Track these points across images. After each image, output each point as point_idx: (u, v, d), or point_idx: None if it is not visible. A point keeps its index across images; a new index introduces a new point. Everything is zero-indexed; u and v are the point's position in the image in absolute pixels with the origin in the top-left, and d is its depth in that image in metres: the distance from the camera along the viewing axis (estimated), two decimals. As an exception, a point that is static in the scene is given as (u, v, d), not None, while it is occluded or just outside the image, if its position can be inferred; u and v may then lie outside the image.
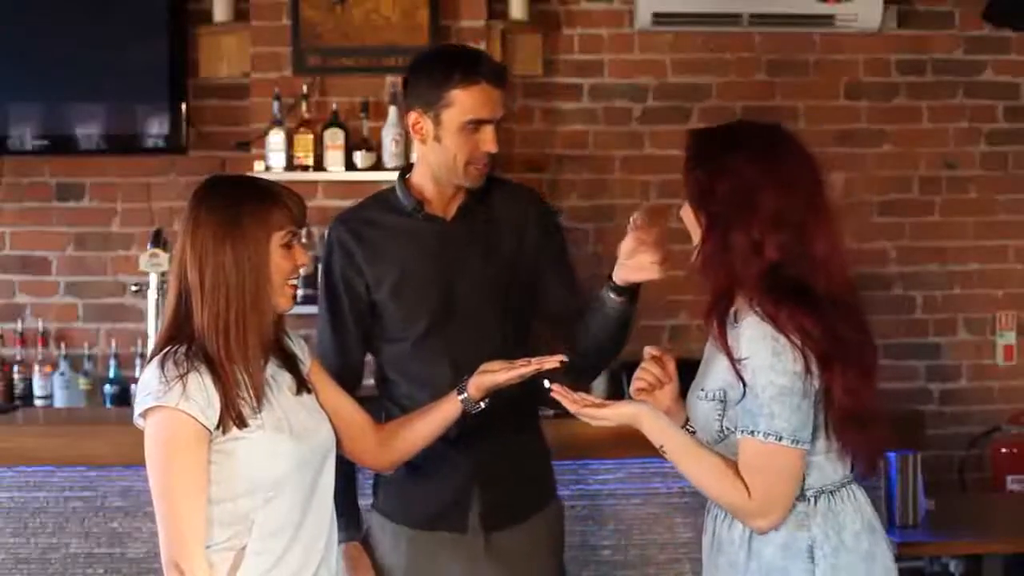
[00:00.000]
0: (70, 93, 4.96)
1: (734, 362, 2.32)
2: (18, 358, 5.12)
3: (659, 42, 5.28)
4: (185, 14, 5.05)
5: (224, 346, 2.36)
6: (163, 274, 4.33)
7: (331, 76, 5.03)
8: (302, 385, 2.53)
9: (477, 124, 2.79)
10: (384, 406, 2.94)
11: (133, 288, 5.03)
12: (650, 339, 2.79)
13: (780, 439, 2.29)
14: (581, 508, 3.61)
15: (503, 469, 2.88)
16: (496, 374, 2.59)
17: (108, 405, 5.00)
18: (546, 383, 2.52)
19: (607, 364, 2.97)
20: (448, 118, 2.79)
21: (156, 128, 4.99)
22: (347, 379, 2.83)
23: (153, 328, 4.42)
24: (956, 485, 4.97)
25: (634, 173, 5.29)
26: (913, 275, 5.38)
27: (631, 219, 2.62)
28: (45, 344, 5.15)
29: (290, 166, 4.89)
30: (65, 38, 4.90)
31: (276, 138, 4.88)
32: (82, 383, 5.05)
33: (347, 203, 3.25)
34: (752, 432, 2.30)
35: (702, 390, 2.43)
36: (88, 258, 5.21)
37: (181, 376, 2.33)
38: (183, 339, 2.39)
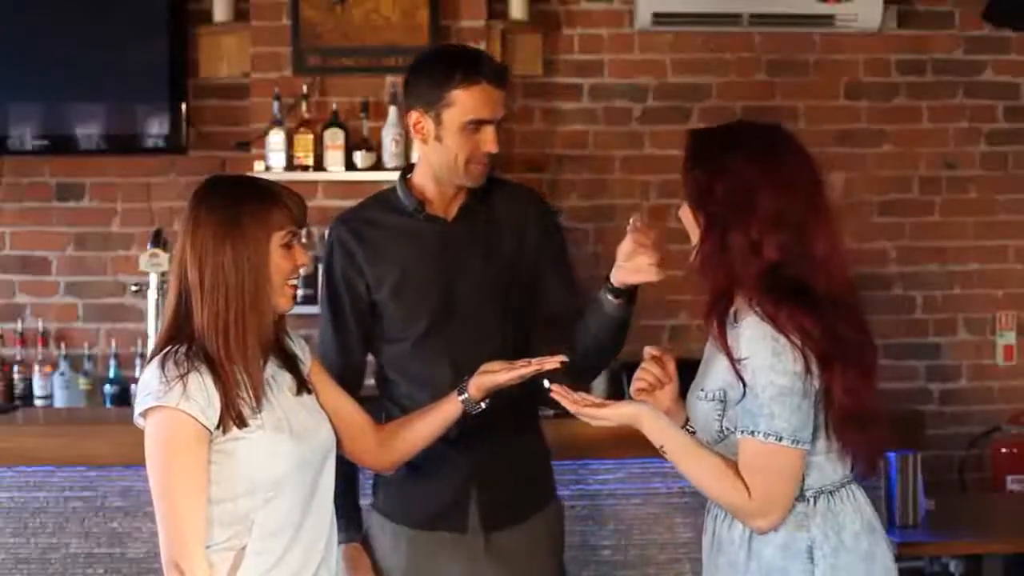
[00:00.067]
0: (70, 93, 4.96)
1: (734, 362, 2.32)
2: (18, 358, 5.12)
3: (659, 42, 5.29)
4: (185, 14, 5.05)
5: (224, 346, 2.36)
6: (163, 274, 4.33)
7: (331, 76, 5.03)
8: (302, 385, 2.53)
9: (478, 124, 2.79)
10: (384, 406, 2.94)
11: (133, 288, 5.03)
12: (650, 339, 2.79)
13: (780, 439, 2.29)
14: (581, 508, 3.61)
15: (503, 469, 2.88)
16: (497, 374, 2.59)
17: (108, 405, 5.00)
18: (546, 383, 2.52)
19: (607, 364, 2.97)
20: (449, 118, 2.79)
21: (156, 128, 4.99)
22: (349, 379, 2.83)
23: (153, 328, 4.42)
24: (956, 485, 4.97)
25: (634, 173, 5.29)
26: (913, 275, 5.38)
27: (630, 221, 2.62)
28: (45, 344, 5.15)
29: (290, 166, 4.89)
30: (65, 38, 4.90)
31: (276, 138, 4.88)
32: (82, 383, 5.05)
33: (347, 203, 3.25)
34: (752, 432, 2.30)
35: (702, 390, 2.43)
36: (88, 258, 5.21)
37: (181, 376, 2.33)
38: (183, 339, 2.39)
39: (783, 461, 2.30)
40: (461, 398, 2.62)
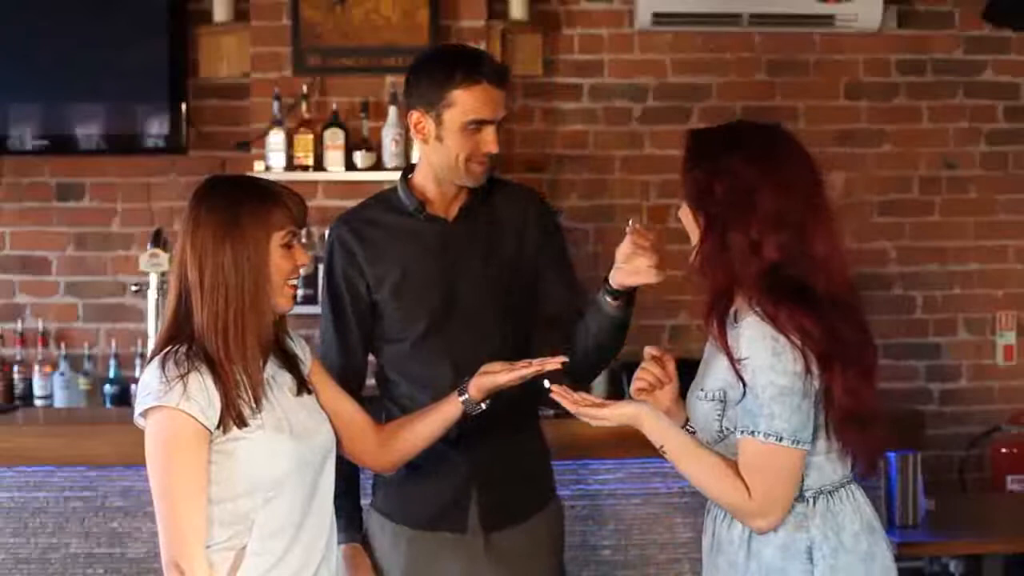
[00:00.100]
0: (70, 93, 4.96)
1: (734, 362, 2.32)
2: (18, 358, 5.12)
3: (659, 42, 5.29)
4: (185, 14, 5.05)
5: (223, 346, 2.36)
6: (163, 274, 4.33)
7: (331, 76, 5.03)
8: (303, 386, 2.53)
9: (479, 124, 2.79)
10: (384, 406, 2.94)
11: (133, 288, 5.04)
12: (650, 339, 2.80)
13: (780, 439, 2.29)
14: (581, 508, 3.61)
15: (503, 469, 2.88)
16: (497, 375, 2.59)
17: (108, 405, 5.00)
18: (546, 383, 2.52)
19: (606, 365, 2.97)
20: (450, 118, 2.79)
21: (156, 128, 4.99)
22: (350, 379, 2.84)
23: (153, 328, 4.42)
24: (956, 485, 4.97)
25: (634, 173, 5.29)
26: (913, 275, 5.38)
27: (628, 224, 2.62)
28: (45, 344, 5.15)
29: (290, 166, 4.89)
30: (65, 38, 4.90)
31: (276, 138, 4.88)
32: (82, 383, 5.05)
33: (347, 203, 3.25)
34: (752, 432, 2.30)
35: (702, 390, 2.43)
36: (88, 258, 5.21)
37: (182, 376, 2.33)
38: (184, 339, 2.39)
39: (783, 461, 2.30)
40: (461, 399, 2.62)
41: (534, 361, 2.57)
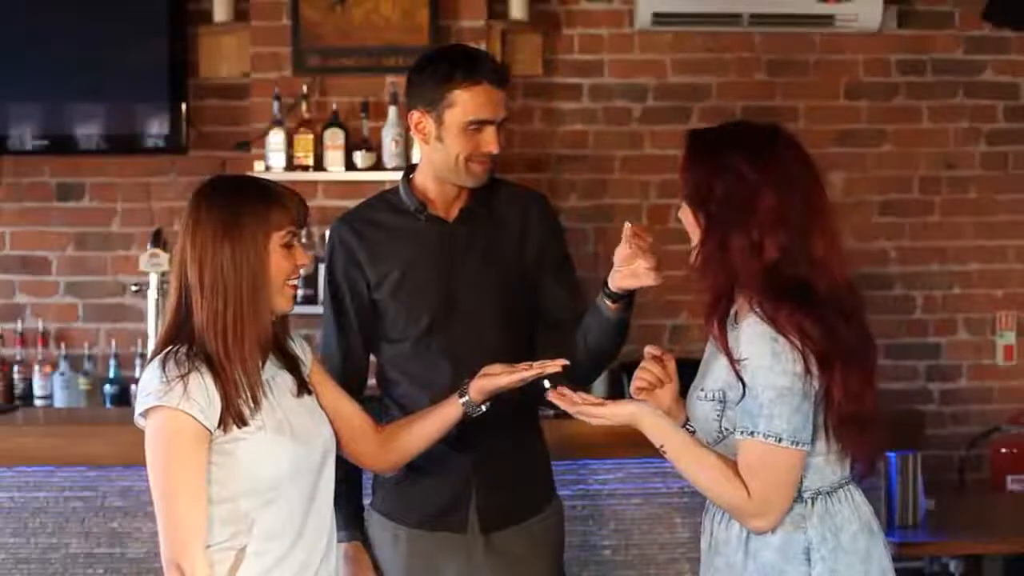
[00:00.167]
0: (70, 93, 4.96)
1: (733, 362, 2.32)
2: (18, 358, 5.12)
3: (659, 42, 5.29)
4: (185, 14, 5.06)
5: (223, 346, 2.36)
6: (163, 274, 4.33)
7: (331, 76, 5.03)
8: (303, 387, 2.53)
9: (479, 124, 2.79)
10: (384, 405, 2.94)
11: (133, 288, 5.04)
12: (650, 339, 2.80)
13: (780, 440, 2.28)
14: (581, 508, 3.61)
15: (503, 470, 2.88)
16: (498, 377, 2.59)
17: (108, 405, 5.00)
18: (546, 384, 2.52)
19: (607, 366, 2.97)
20: (450, 118, 2.79)
21: (156, 128, 4.99)
22: (352, 379, 2.85)
23: (153, 328, 4.42)
24: (956, 485, 4.97)
25: (634, 173, 5.29)
26: (913, 275, 5.38)
27: (625, 227, 2.62)
28: (45, 344, 5.15)
29: (290, 166, 4.89)
30: (65, 38, 4.90)
31: (276, 138, 4.88)
32: (82, 383, 5.05)
33: (347, 203, 3.25)
34: (752, 433, 2.30)
35: (702, 390, 2.43)
36: (88, 258, 5.22)
37: (182, 376, 2.33)
38: (184, 339, 2.39)
39: (782, 462, 2.30)
40: (462, 400, 2.62)
41: (535, 363, 2.56)
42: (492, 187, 2.92)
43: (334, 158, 4.92)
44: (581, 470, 3.61)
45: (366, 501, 2.98)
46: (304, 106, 4.94)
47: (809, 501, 2.37)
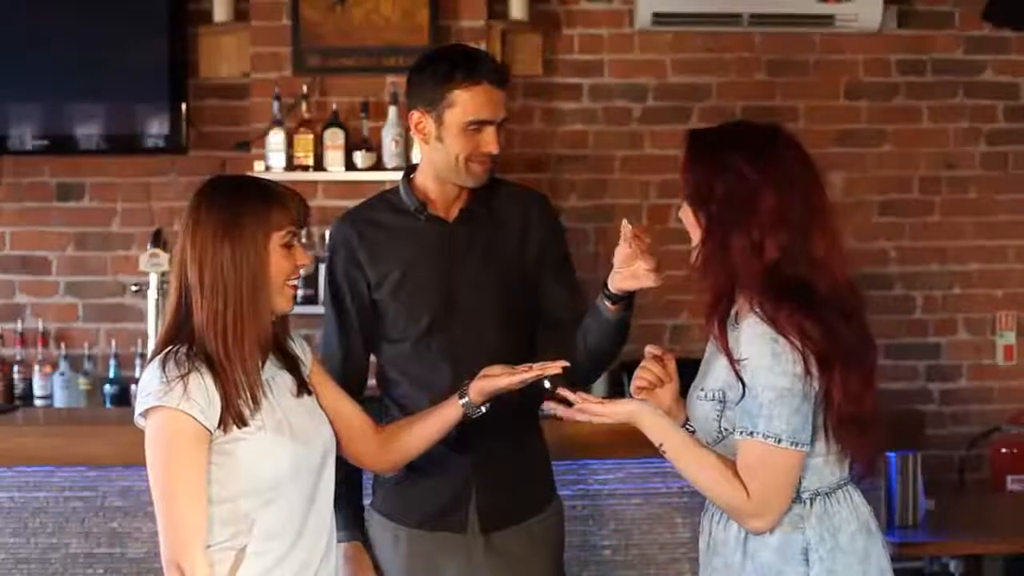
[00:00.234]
0: (70, 93, 4.96)
1: (733, 363, 2.32)
2: (18, 358, 5.12)
3: (659, 42, 5.29)
4: (185, 14, 5.06)
5: (223, 346, 2.36)
6: (163, 274, 4.33)
7: (331, 76, 5.03)
8: (303, 387, 2.53)
9: (479, 125, 2.79)
10: (384, 405, 2.94)
11: (133, 288, 5.04)
12: (651, 339, 2.80)
13: (779, 441, 2.28)
14: (581, 508, 3.61)
15: (502, 470, 2.88)
16: (498, 379, 2.58)
17: (108, 405, 5.00)
18: (546, 384, 2.52)
19: (607, 366, 2.96)
20: (450, 118, 2.79)
21: (156, 128, 4.99)
22: (352, 378, 2.85)
23: (153, 328, 4.42)
24: (956, 485, 4.97)
25: (634, 173, 5.29)
26: (913, 275, 5.38)
27: (623, 228, 2.62)
28: (45, 344, 5.15)
29: (290, 166, 4.89)
30: (65, 38, 4.90)
31: (276, 138, 4.88)
32: (82, 383, 5.05)
33: (347, 203, 3.25)
34: (751, 433, 2.30)
35: (702, 390, 2.43)
36: (88, 258, 5.22)
37: (182, 376, 2.33)
38: (184, 339, 2.39)
39: (781, 462, 2.30)
40: (462, 402, 2.62)
41: (535, 365, 2.56)
42: (492, 187, 2.92)
43: (334, 158, 4.92)
44: (581, 470, 3.61)
45: (366, 501, 2.98)
46: (304, 106, 4.94)
47: (807, 502, 2.37)
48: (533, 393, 2.60)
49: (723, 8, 5.14)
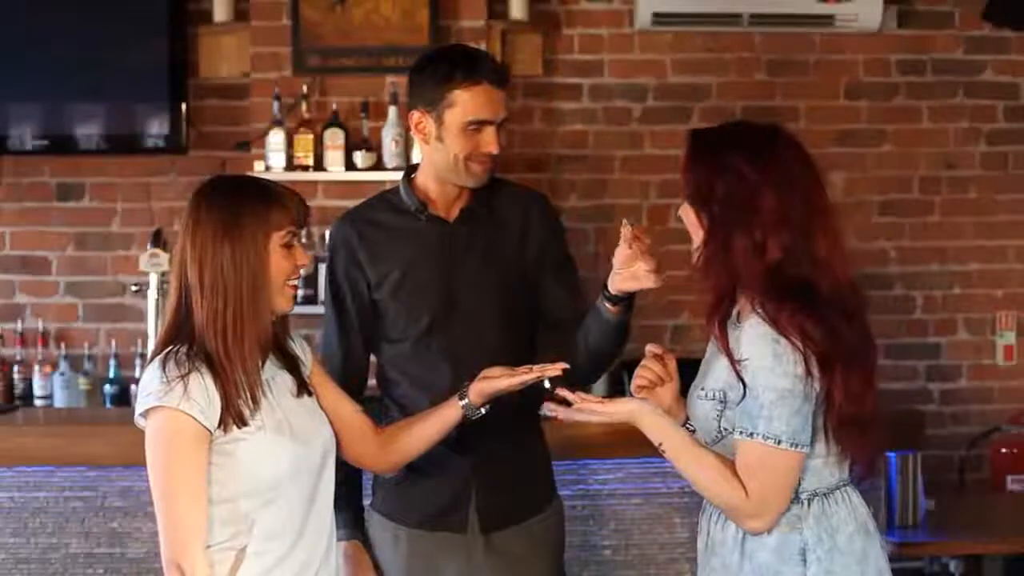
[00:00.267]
0: (70, 93, 4.96)
1: (734, 363, 2.32)
2: (18, 358, 5.12)
3: (659, 42, 5.29)
4: (185, 14, 5.06)
5: (222, 345, 2.36)
6: (163, 274, 4.33)
7: (331, 76, 5.03)
8: (303, 387, 2.53)
9: (479, 125, 2.79)
10: (385, 405, 2.94)
11: (133, 288, 5.04)
12: (652, 339, 2.79)
13: (779, 442, 2.28)
14: (581, 508, 3.61)
15: (503, 471, 2.88)
16: (497, 380, 2.58)
17: (108, 405, 5.00)
18: (546, 384, 2.52)
19: (607, 367, 2.96)
20: (450, 118, 2.79)
21: (156, 128, 4.99)
22: (352, 378, 2.85)
23: (153, 328, 4.42)
24: (956, 485, 4.97)
25: (634, 173, 5.29)
26: (913, 275, 5.38)
27: (623, 230, 2.61)
28: (45, 344, 5.15)
29: (290, 166, 4.89)
30: (65, 38, 4.90)
31: (276, 138, 4.88)
32: (82, 383, 5.05)
33: (347, 203, 3.25)
34: (751, 434, 2.30)
35: (702, 389, 2.43)
36: (88, 258, 5.22)
37: (182, 376, 2.33)
38: (184, 339, 2.39)
39: (781, 464, 2.30)
40: (461, 403, 2.62)
41: (535, 367, 2.56)
42: (493, 187, 2.91)
43: (334, 158, 4.92)
44: (581, 470, 3.61)
45: (366, 501, 2.98)
46: (304, 106, 4.94)
47: (805, 502, 2.36)
48: (533, 394, 2.60)
49: (723, 8, 5.14)
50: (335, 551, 2.56)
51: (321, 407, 2.56)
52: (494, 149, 2.81)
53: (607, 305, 2.72)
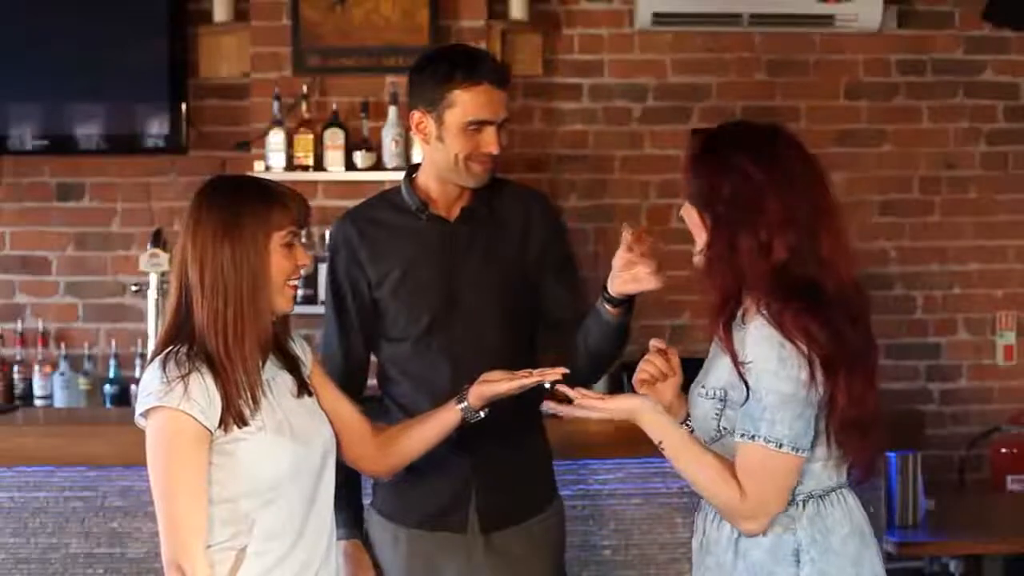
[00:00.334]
0: (70, 93, 4.96)
1: (737, 364, 2.31)
2: (18, 358, 5.12)
3: (659, 42, 5.29)
4: (185, 14, 5.06)
5: (223, 345, 2.36)
6: (163, 274, 4.33)
7: (331, 76, 5.03)
8: (303, 387, 2.53)
9: (479, 125, 2.79)
10: (385, 405, 2.94)
11: (133, 288, 5.03)
12: (651, 338, 2.78)
13: (780, 446, 2.28)
14: (581, 508, 3.60)
15: (503, 471, 2.88)
16: (497, 384, 2.58)
17: (108, 405, 5.00)
18: (547, 384, 2.52)
19: (608, 368, 2.95)
20: (450, 118, 2.79)
21: (156, 128, 4.99)
22: (353, 377, 2.86)
23: (153, 328, 4.41)
24: (956, 485, 4.97)
25: (634, 173, 5.29)
26: (913, 275, 5.38)
27: (622, 234, 2.61)
28: (45, 344, 5.15)
29: (290, 166, 4.89)
30: (65, 38, 4.90)
31: (276, 138, 4.88)
32: (82, 383, 5.05)
33: (347, 203, 3.25)
34: (752, 437, 2.29)
35: (703, 387, 2.42)
36: (88, 258, 5.22)
37: (183, 376, 2.33)
38: (184, 339, 2.39)
39: (780, 467, 2.30)
40: (460, 406, 2.61)
41: (534, 371, 2.56)
42: (494, 187, 2.92)
43: (334, 158, 4.92)
44: (581, 470, 3.61)
45: (366, 501, 2.98)
46: (304, 106, 4.94)
47: (800, 503, 2.36)
48: (534, 394, 2.59)
49: (723, 8, 5.14)
50: (335, 551, 2.56)
51: (321, 408, 2.56)
52: (494, 149, 2.81)
53: (607, 307, 2.72)
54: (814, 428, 2.31)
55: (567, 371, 2.54)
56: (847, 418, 2.30)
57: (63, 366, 5.06)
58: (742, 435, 2.31)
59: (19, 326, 5.15)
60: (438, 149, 2.83)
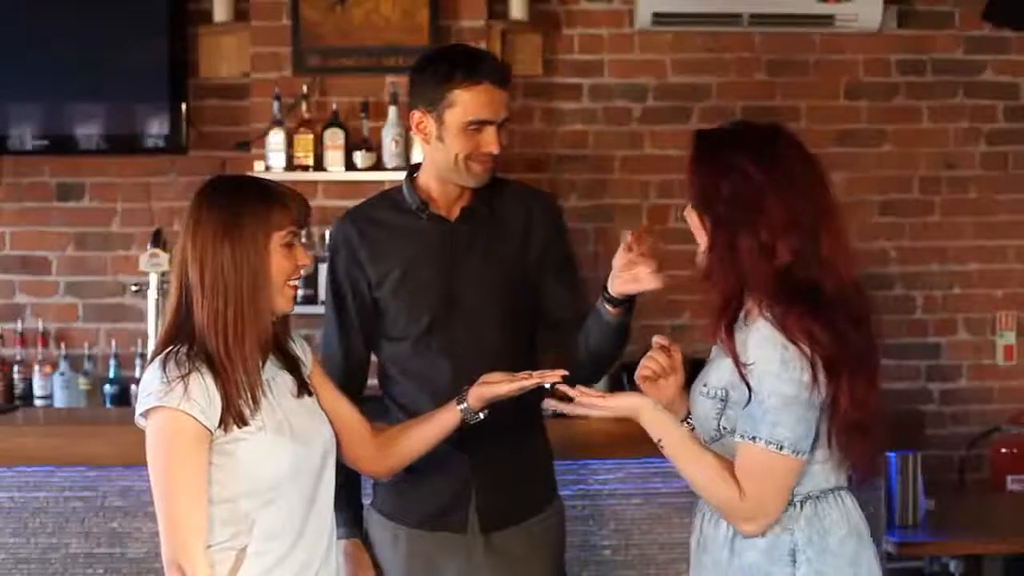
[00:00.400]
0: (70, 93, 4.96)
1: (739, 366, 2.31)
2: (18, 358, 5.12)
3: (659, 42, 5.29)
4: (185, 14, 5.06)
5: (223, 345, 2.36)
6: (163, 274, 4.32)
7: (331, 76, 5.03)
8: (303, 387, 2.53)
9: (480, 124, 2.79)
10: (385, 405, 2.94)
11: (133, 288, 5.03)
12: (651, 339, 2.78)
13: (781, 448, 2.27)
14: (581, 508, 3.60)
15: (503, 470, 2.88)
16: (497, 385, 2.58)
17: (108, 405, 5.00)
18: (547, 384, 2.52)
19: (608, 369, 2.95)
20: (451, 118, 2.79)
21: (156, 128, 4.99)
22: (353, 377, 2.86)
23: (153, 328, 4.41)
24: (956, 485, 4.97)
25: (634, 173, 5.29)
26: (913, 275, 5.38)
27: (623, 239, 2.61)
28: (45, 344, 5.15)
29: (290, 166, 4.89)
30: (65, 38, 4.90)
31: (276, 138, 4.88)
32: (82, 383, 5.05)
33: (347, 203, 3.25)
34: (753, 438, 2.29)
35: (704, 385, 2.42)
36: (88, 258, 5.22)
37: (183, 376, 2.33)
38: (184, 339, 2.39)
39: (781, 469, 2.29)
40: (460, 407, 2.61)
41: (534, 373, 2.56)
42: (495, 186, 2.92)
43: (334, 158, 4.92)
44: (581, 470, 3.61)
45: (366, 501, 2.98)
46: (304, 106, 4.94)
47: (798, 504, 2.35)
48: (534, 395, 2.59)
49: (723, 8, 5.14)
50: (335, 551, 2.56)
51: (321, 408, 2.56)
52: (495, 149, 2.81)
53: (607, 307, 2.72)
54: (815, 430, 2.30)
55: (566, 373, 2.54)
56: (849, 420, 2.30)
57: (63, 366, 5.06)
58: (743, 436, 2.31)
59: (19, 326, 5.15)
60: (438, 149, 2.83)
